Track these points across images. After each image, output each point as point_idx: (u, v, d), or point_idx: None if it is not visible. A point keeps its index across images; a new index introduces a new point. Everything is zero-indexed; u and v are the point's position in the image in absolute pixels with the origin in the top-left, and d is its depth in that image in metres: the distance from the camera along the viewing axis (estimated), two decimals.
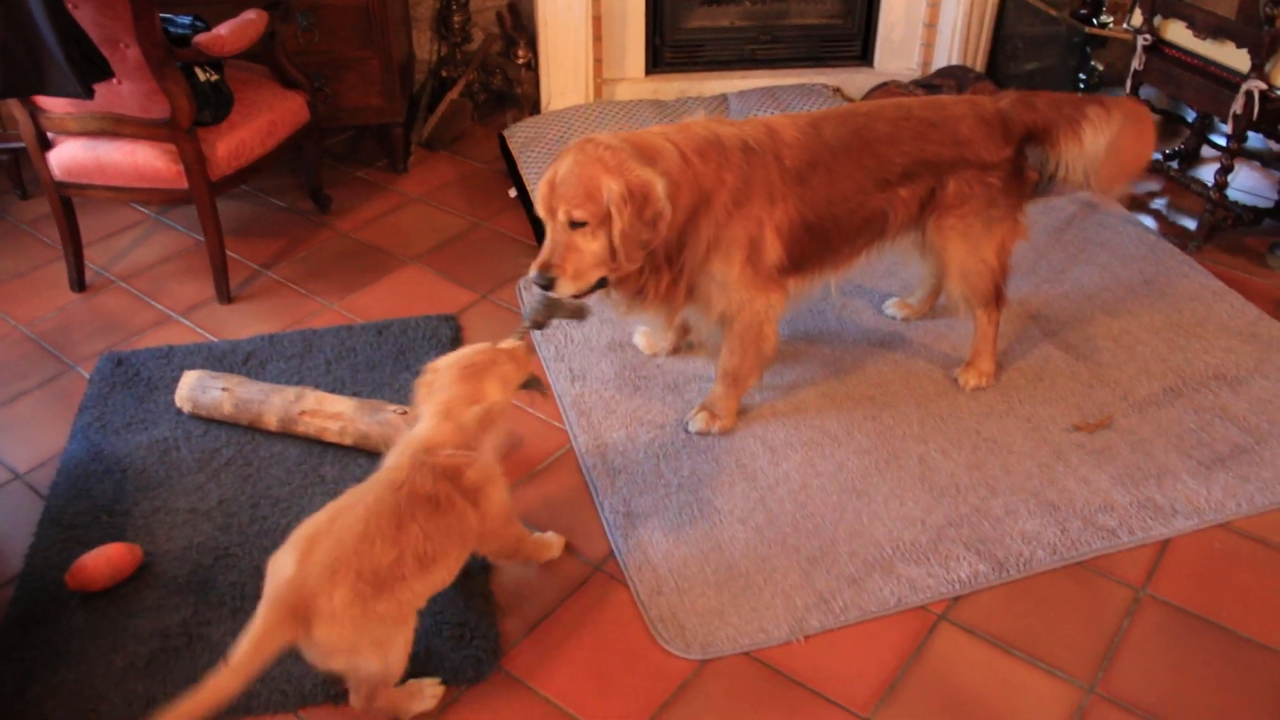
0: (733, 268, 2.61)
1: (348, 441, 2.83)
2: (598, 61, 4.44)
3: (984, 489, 2.74)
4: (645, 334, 3.21)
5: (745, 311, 2.70)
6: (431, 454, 2.13)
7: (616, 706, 2.24)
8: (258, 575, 2.46)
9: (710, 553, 2.57)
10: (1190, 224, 3.88)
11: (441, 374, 2.22)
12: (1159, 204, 4.06)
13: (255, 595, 2.41)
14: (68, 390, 3.18)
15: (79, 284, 3.63)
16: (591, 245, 2.47)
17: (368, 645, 2.01)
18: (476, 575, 2.49)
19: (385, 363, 3.19)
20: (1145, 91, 3.95)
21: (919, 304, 3.36)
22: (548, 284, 2.47)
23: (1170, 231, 3.86)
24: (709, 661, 2.32)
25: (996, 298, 3.00)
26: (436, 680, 2.26)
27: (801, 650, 2.34)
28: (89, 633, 2.39)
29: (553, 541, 2.57)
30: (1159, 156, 4.08)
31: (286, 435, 2.90)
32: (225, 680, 1.84)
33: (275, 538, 2.58)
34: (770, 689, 2.26)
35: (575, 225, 2.45)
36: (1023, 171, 2.89)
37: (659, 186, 2.42)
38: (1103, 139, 2.81)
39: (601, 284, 2.56)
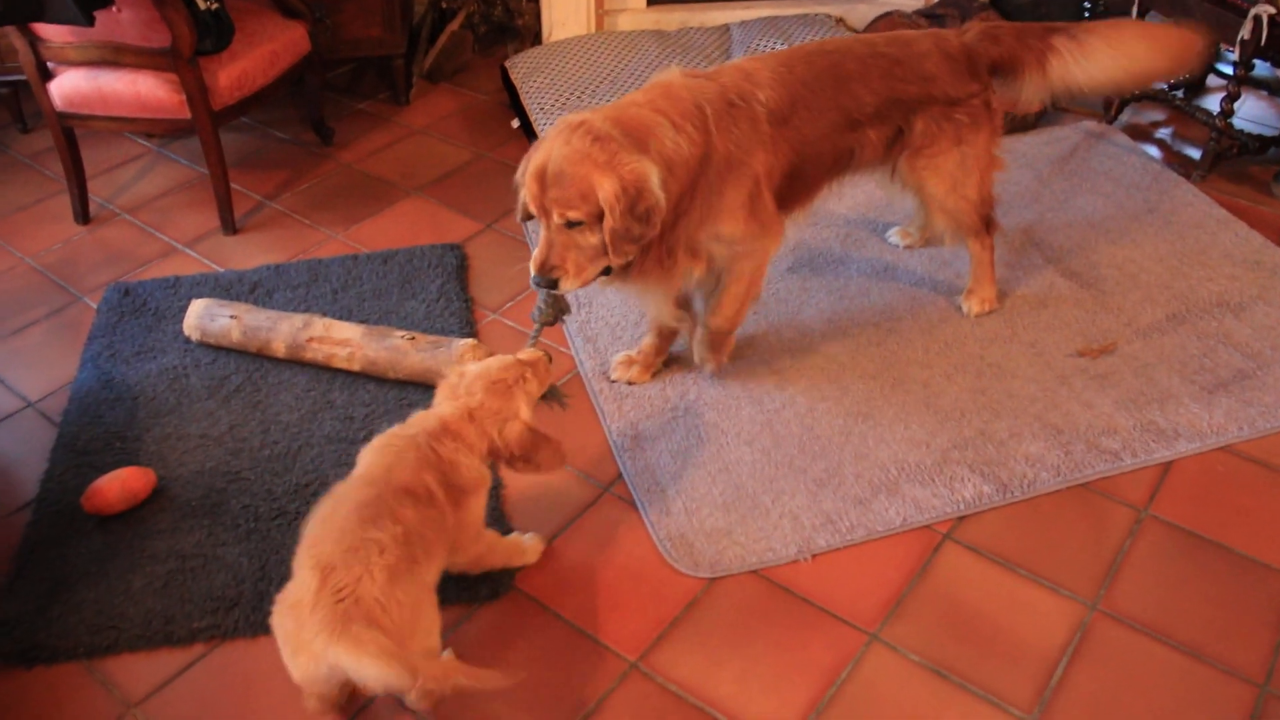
0: (739, 224, 2.54)
1: (355, 367, 2.85)
2: None
3: (988, 413, 2.76)
4: (624, 363, 2.92)
5: (750, 259, 2.63)
6: (437, 440, 2.10)
7: (628, 623, 2.28)
8: (270, 498, 2.53)
9: (718, 474, 2.60)
10: (1195, 153, 3.87)
11: (469, 380, 2.19)
12: (1163, 133, 4.05)
13: (268, 517, 2.49)
14: (76, 320, 3.19)
15: (83, 216, 3.63)
16: (590, 240, 2.35)
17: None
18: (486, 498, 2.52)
19: (391, 291, 3.20)
20: (1151, 18, 3.91)
21: (919, 232, 3.36)
22: (551, 284, 2.38)
23: (1174, 161, 3.85)
24: (717, 580, 2.36)
25: (986, 226, 3.01)
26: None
27: (809, 569, 2.38)
28: (106, 554, 2.42)
29: (528, 546, 2.40)
30: (1163, 86, 4.06)
31: (295, 362, 2.92)
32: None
33: (286, 462, 2.62)
34: (778, 605, 2.30)
35: (571, 225, 2.34)
36: (991, 105, 2.85)
37: (653, 178, 2.29)
38: (1080, 70, 2.81)
39: (606, 272, 2.45)
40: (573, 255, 2.37)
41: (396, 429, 2.16)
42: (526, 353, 2.30)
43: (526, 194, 2.37)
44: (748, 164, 2.51)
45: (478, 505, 2.18)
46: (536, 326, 2.55)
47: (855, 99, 2.66)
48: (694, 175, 2.42)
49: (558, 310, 2.54)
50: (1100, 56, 2.82)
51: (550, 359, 2.33)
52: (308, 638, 1.83)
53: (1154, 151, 3.90)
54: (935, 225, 3.03)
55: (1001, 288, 3.15)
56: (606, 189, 2.26)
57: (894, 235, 3.40)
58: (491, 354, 2.84)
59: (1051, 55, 2.81)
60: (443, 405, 2.18)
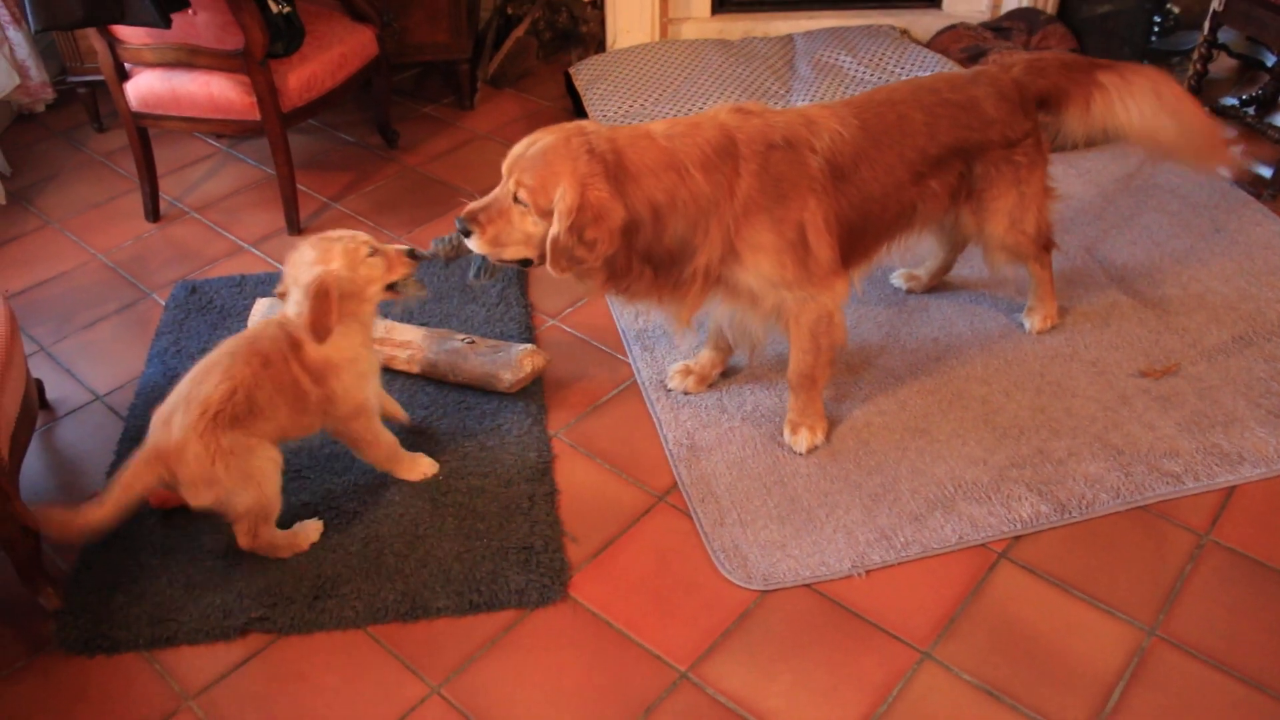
0: (781, 268, 2.46)
1: (415, 369, 2.89)
2: (664, 0, 4.41)
3: (1047, 431, 2.73)
4: (681, 373, 2.91)
5: (810, 307, 2.54)
6: (286, 323, 2.38)
7: (679, 633, 2.28)
8: (328, 495, 2.57)
9: (773, 486, 2.60)
10: (1266, 171, 3.80)
11: (303, 250, 2.40)
12: (1233, 150, 3.98)
13: (326, 513, 2.52)
14: (144, 316, 3.26)
15: (154, 214, 3.71)
16: (525, 226, 2.34)
17: (226, 477, 2.27)
18: (541, 503, 2.54)
19: (452, 294, 3.23)
20: (1224, 34, 3.85)
21: (927, 277, 3.26)
22: (465, 232, 2.39)
23: (1244, 179, 3.78)
24: (770, 592, 2.36)
25: (1045, 250, 2.97)
26: (316, 520, 2.51)
27: (862, 584, 2.37)
28: (168, 547, 2.47)
29: (420, 464, 2.62)
30: (1235, 102, 3.99)
31: None
32: (96, 511, 2.21)
33: (346, 461, 2.66)
34: (830, 620, 2.29)
35: (517, 200, 2.33)
36: (1041, 141, 2.81)
37: (613, 219, 2.26)
38: (1123, 110, 2.76)
39: (525, 264, 2.43)
40: (498, 224, 2.35)
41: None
42: (393, 248, 2.48)
43: (508, 155, 2.38)
44: (785, 208, 2.42)
45: (347, 382, 2.42)
46: (434, 247, 2.58)
47: (921, 151, 2.61)
48: (696, 216, 2.36)
49: (456, 253, 2.54)
50: (1144, 102, 2.77)
51: (411, 264, 2.48)
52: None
53: (1223, 170, 3.83)
54: (993, 262, 2.97)
55: (1063, 305, 3.11)
56: (566, 199, 2.24)
57: (897, 278, 3.30)
58: (549, 360, 2.88)
59: (1097, 91, 2.77)
60: (288, 285, 2.41)
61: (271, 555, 2.44)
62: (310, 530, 2.49)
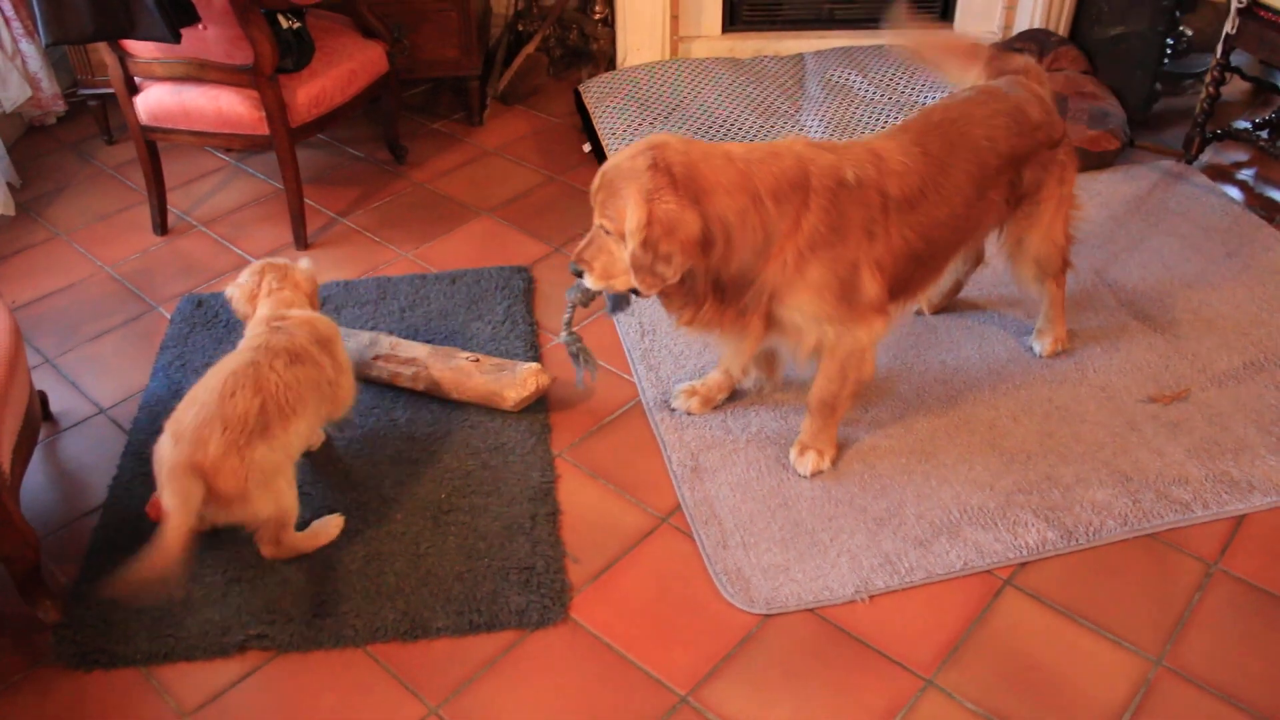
0: (825, 304, 2.45)
1: (420, 387, 2.87)
2: (674, 18, 4.41)
3: (1054, 456, 2.71)
4: (686, 393, 2.90)
5: (845, 340, 2.50)
6: (282, 319, 2.48)
7: (680, 656, 2.26)
8: (330, 513, 2.54)
9: (777, 509, 2.58)
10: (1278, 195, 3.78)
11: (267, 276, 2.60)
12: (1245, 174, 3.96)
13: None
14: (150, 329, 3.26)
15: (161, 227, 3.71)
16: (618, 252, 2.36)
17: (256, 491, 2.27)
18: (543, 523, 2.53)
19: (458, 311, 3.23)
20: (1237, 57, 3.84)
21: (939, 297, 3.23)
22: (578, 273, 2.43)
23: (1256, 203, 3.76)
24: (772, 616, 2.33)
25: (1064, 268, 2.97)
26: (337, 516, 2.53)
27: (865, 610, 2.35)
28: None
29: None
30: (1248, 125, 3.97)
31: (360, 379, 2.94)
32: (170, 540, 2.14)
33: (349, 478, 2.65)
34: (832, 646, 2.27)
35: (605, 230, 2.37)
36: (1072, 142, 2.84)
37: (688, 228, 2.25)
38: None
39: (635, 292, 2.43)
40: (602, 258, 2.38)
41: (242, 346, 2.48)
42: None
43: (596, 178, 2.39)
44: (844, 246, 2.41)
45: (344, 349, 2.61)
46: (569, 306, 2.61)
47: (984, 165, 2.60)
48: (761, 243, 2.35)
49: (586, 298, 2.57)
50: None
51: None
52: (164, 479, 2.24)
53: (1235, 193, 3.82)
54: (1021, 275, 2.95)
55: (1072, 328, 3.09)
56: (634, 216, 2.25)
57: None
58: (554, 379, 2.87)
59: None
60: (264, 307, 2.56)
61: (294, 556, 2.46)
62: (331, 526, 2.51)
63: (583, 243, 2.43)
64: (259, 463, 2.28)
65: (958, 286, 3.22)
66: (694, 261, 2.30)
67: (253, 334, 2.49)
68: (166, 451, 2.26)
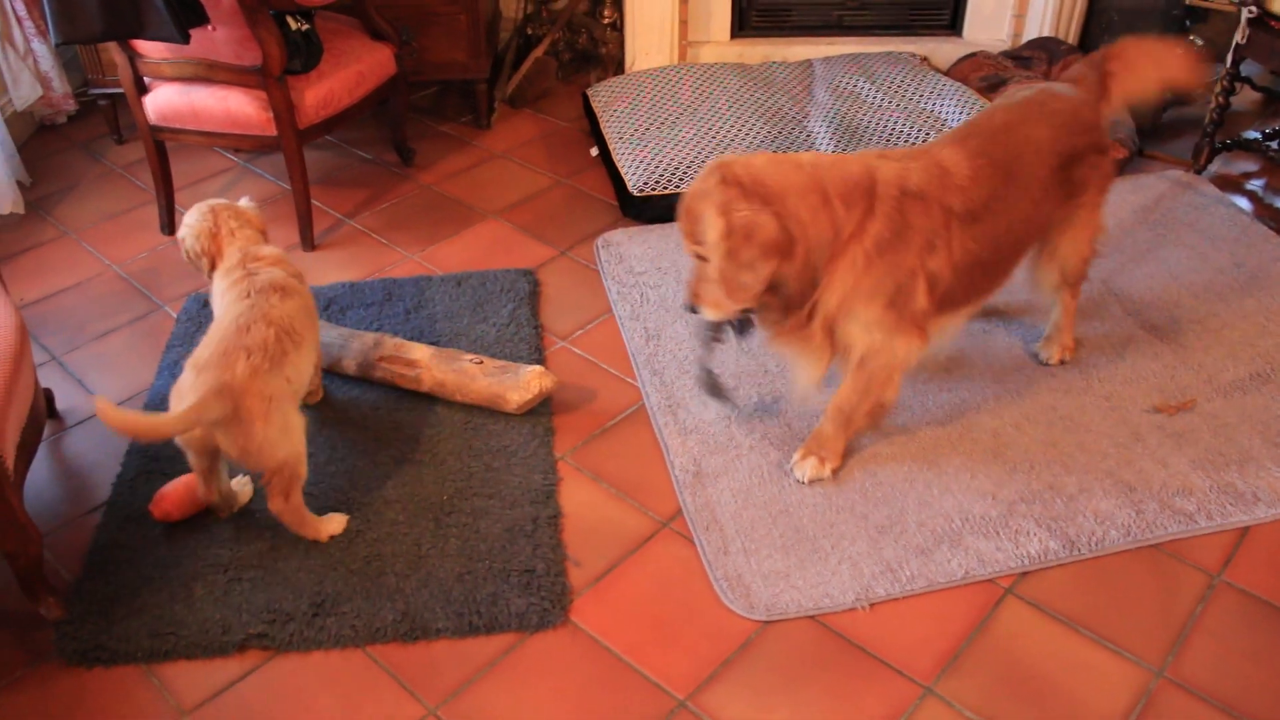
0: (875, 310, 2.45)
1: (423, 388, 2.88)
2: (683, 23, 4.42)
3: (1058, 466, 2.70)
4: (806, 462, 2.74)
5: (882, 354, 2.50)
6: (256, 259, 2.56)
7: (679, 661, 2.26)
8: (333, 512, 2.54)
9: (778, 516, 2.58)
10: None
11: (224, 216, 2.66)
12: (1255, 185, 3.95)
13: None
14: (156, 328, 3.27)
15: (169, 227, 3.72)
16: (714, 275, 2.38)
17: (276, 428, 2.33)
18: (545, 526, 2.53)
19: (463, 313, 3.23)
20: (1248, 68, 3.83)
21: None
22: (693, 309, 2.47)
23: (1265, 214, 3.74)
24: (772, 623, 2.33)
25: (1082, 277, 2.98)
26: (342, 515, 2.55)
27: (866, 617, 2.34)
28: (170, 560, 2.47)
29: None
30: (1258, 135, 3.96)
31: (364, 380, 2.96)
32: (158, 423, 2.25)
33: (352, 479, 2.65)
34: (832, 653, 2.27)
35: (699, 258, 2.39)
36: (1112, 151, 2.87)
37: (765, 230, 2.28)
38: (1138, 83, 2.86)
39: (749, 312, 2.49)
40: (707, 287, 2.40)
41: (230, 299, 2.51)
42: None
43: (679, 215, 2.41)
44: (905, 253, 2.42)
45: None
46: (701, 344, 2.67)
47: (1047, 166, 2.62)
48: (830, 242, 2.37)
49: (716, 332, 2.60)
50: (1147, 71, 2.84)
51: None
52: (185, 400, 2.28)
53: (1244, 203, 3.80)
54: (1043, 279, 2.93)
55: (1078, 337, 3.08)
56: (712, 231, 2.29)
57: None
58: (558, 382, 2.87)
59: (1111, 81, 2.81)
60: (233, 251, 2.61)
61: (298, 528, 2.48)
62: (335, 523, 2.53)
63: (688, 280, 2.45)
64: (279, 393, 2.35)
65: None
66: (776, 265, 2.32)
67: (235, 278, 2.53)
68: (188, 381, 2.32)
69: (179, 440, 2.38)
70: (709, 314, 2.45)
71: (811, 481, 2.67)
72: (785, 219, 2.29)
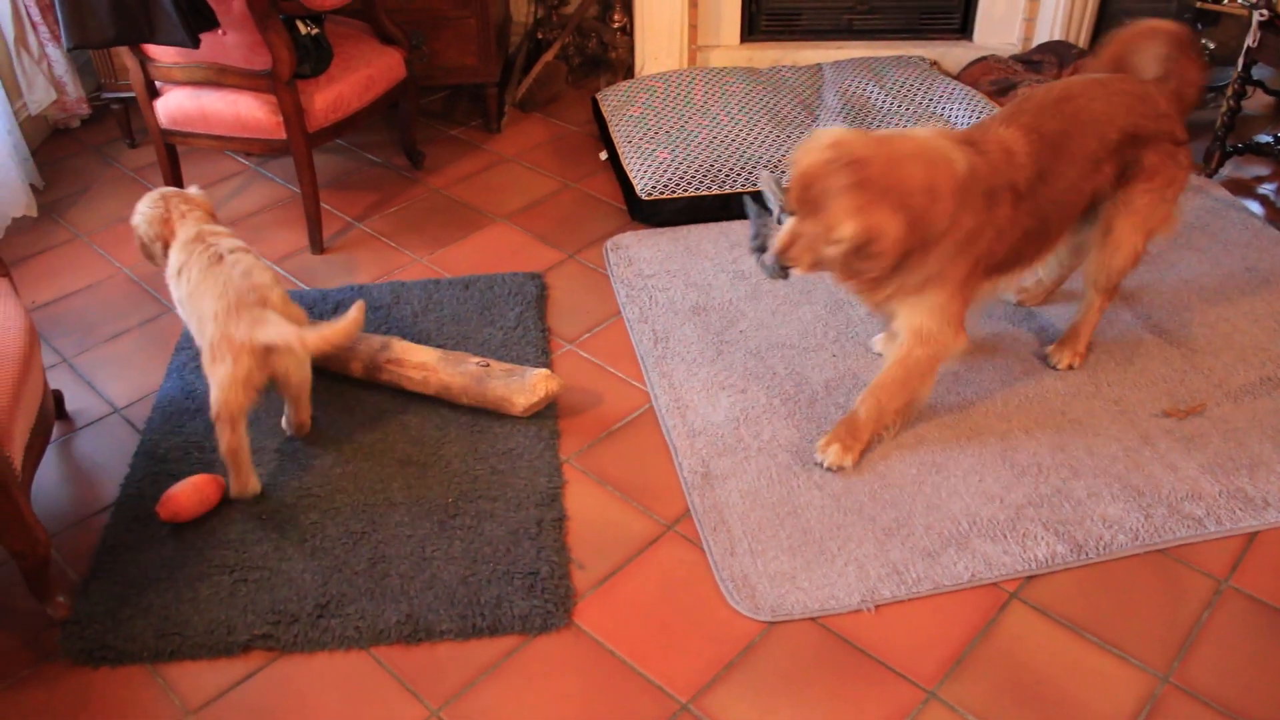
0: (942, 295, 2.57)
1: (430, 391, 2.88)
2: (693, 28, 4.43)
3: (1066, 470, 2.69)
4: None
5: (932, 342, 2.62)
6: (213, 233, 2.72)
7: (682, 663, 2.25)
8: (337, 516, 2.57)
9: (786, 517, 2.57)
10: None
11: (173, 201, 2.81)
12: (1267, 189, 3.92)
13: (333, 534, 2.52)
14: (165, 331, 3.28)
15: None
16: (828, 250, 2.43)
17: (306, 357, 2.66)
18: (549, 528, 2.53)
19: (470, 316, 3.24)
20: (1259, 71, 3.81)
21: (1040, 292, 3.27)
22: (783, 269, 2.52)
23: (1277, 218, 3.72)
24: (776, 624, 2.32)
25: (1115, 289, 2.98)
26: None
27: (871, 619, 2.33)
28: (177, 561, 2.48)
29: None
30: (1270, 139, 3.93)
31: (371, 382, 2.96)
32: (341, 329, 2.47)
33: (356, 481, 2.66)
34: (836, 655, 2.26)
35: (804, 230, 2.44)
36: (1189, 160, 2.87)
37: (891, 234, 2.37)
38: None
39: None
40: (807, 257, 2.46)
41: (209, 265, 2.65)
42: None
43: (791, 181, 2.44)
44: (976, 247, 2.54)
45: None
46: (765, 266, 2.60)
47: (1101, 138, 2.67)
48: (931, 239, 2.46)
49: (783, 275, 2.59)
50: None
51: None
52: (230, 333, 2.49)
53: (1255, 207, 3.78)
54: (1091, 268, 2.93)
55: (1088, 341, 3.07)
56: (846, 229, 2.35)
57: (1009, 295, 3.32)
58: (564, 385, 2.87)
59: None
60: (187, 228, 2.75)
61: (303, 433, 2.80)
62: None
63: (782, 241, 2.47)
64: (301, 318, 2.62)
65: (1061, 279, 3.23)
66: (897, 259, 2.43)
67: (199, 249, 2.67)
68: (225, 326, 2.49)
69: (220, 407, 2.52)
70: (800, 272, 2.53)
71: (835, 468, 2.68)
72: (911, 222, 2.38)
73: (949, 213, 2.42)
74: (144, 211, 2.79)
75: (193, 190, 2.88)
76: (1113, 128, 2.67)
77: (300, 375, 2.69)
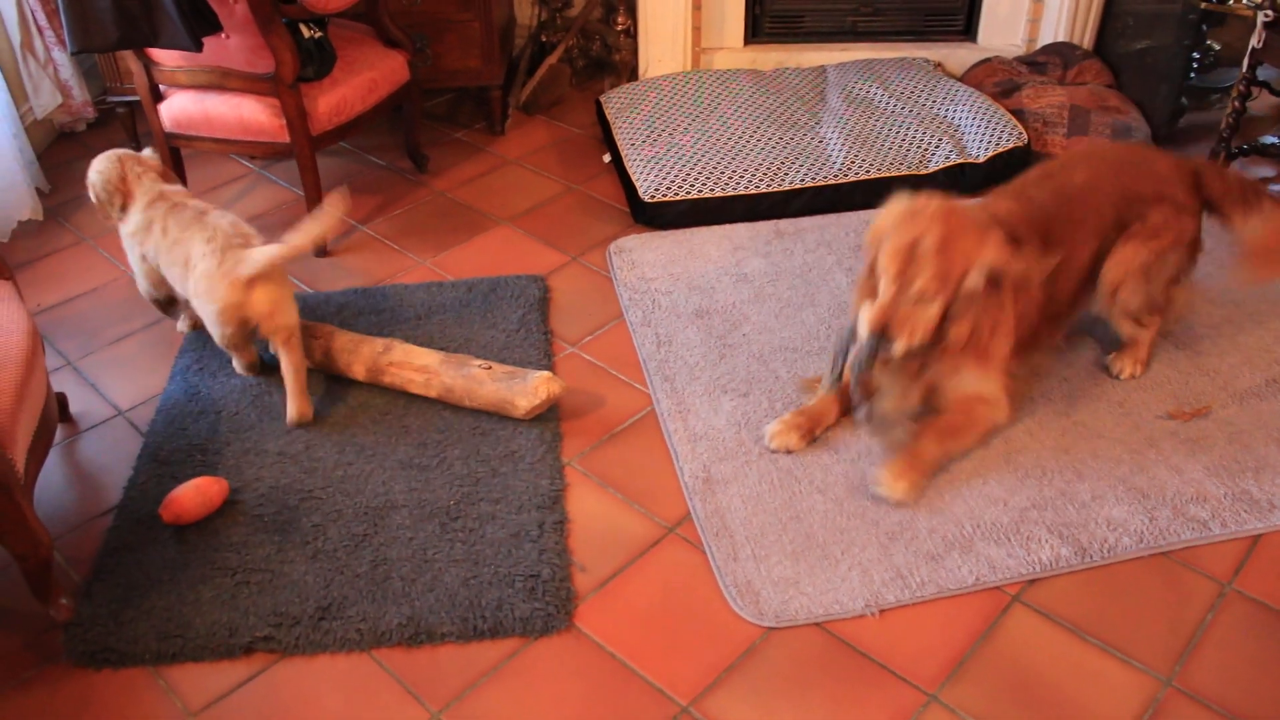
0: (993, 362, 2.64)
1: (432, 394, 2.88)
2: (696, 30, 4.42)
3: (1070, 473, 2.68)
4: (781, 432, 2.79)
5: (988, 407, 2.68)
6: (176, 193, 3.01)
7: (682, 667, 2.25)
8: (339, 519, 2.57)
9: (789, 522, 2.57)
10: None
11: (128, 163, 3.04)
12: (1275, 190, 3.91)
13: (336, 537, 2.52)
14: (169, 334, 3.29)
15: None
16: (930, 311, 2.46)
17: (290, 291, 2.89)
18: (551, 531, 2.53)
19: (473, 319, 3.24)
20: (1265, 72, 3.79)
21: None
22: (883, 339, 2.48)
23: None
24: (776, 630, 2.32)
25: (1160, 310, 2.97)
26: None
27: (873, 624, 2.33)
28: (179, 564, 2.48)
29: None
30: (1276, 140, 3.92)
31: (373, 385, 2.97)
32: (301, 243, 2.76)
33: (358, 483, 2.66)
34: (837, 659, 2.25)
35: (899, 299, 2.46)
36: (1199, 242, 2.91)
37: (1018, 264, 2.50)
38: (1257, 229, 2.89)
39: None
40: (909, 324, 2.45)
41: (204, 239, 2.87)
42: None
43: (886, 264, 2.45)
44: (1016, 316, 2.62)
45: None
46: (852, 373, 2.59)
47: (1100, 215, 2.77)
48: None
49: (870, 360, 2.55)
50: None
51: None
52: (224, 270, 2.77)
53: None
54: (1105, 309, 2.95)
55: (1092, 343, 3.06)
56: (991, 255, 2.45)
57: None
58: (565, 387, 2.87)
59: (1255, 214, 2.87)
60: (146, 189, 3.01)
61: (305, 421, 2.88)
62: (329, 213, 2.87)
63: (877, 315, 2.45)
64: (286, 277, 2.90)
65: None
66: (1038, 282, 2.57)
67: (167, 206, 2.94)
68: (218, 266, 2.76)
69: (225, 340, 2.90)
70: (904, 346, 2.47)
71: (899, 503, 2.61)
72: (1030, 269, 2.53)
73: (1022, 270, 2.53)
74: (102, 171, 3.01)
75: (146, 153, 3.07)
76: (1106, 201, 2.77)
77: (288, 318, 2.84)
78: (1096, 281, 2.85)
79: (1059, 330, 2.91)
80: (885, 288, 2.46)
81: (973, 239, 2.44)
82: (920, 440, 2.66)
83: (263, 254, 2.75)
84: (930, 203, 2.49)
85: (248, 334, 2.89)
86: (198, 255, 2.80)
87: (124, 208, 3.01)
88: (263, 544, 2.52)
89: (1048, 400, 2.91)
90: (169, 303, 3.19)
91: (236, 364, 3.03)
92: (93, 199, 3.05)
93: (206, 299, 2.80)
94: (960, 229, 2.44)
